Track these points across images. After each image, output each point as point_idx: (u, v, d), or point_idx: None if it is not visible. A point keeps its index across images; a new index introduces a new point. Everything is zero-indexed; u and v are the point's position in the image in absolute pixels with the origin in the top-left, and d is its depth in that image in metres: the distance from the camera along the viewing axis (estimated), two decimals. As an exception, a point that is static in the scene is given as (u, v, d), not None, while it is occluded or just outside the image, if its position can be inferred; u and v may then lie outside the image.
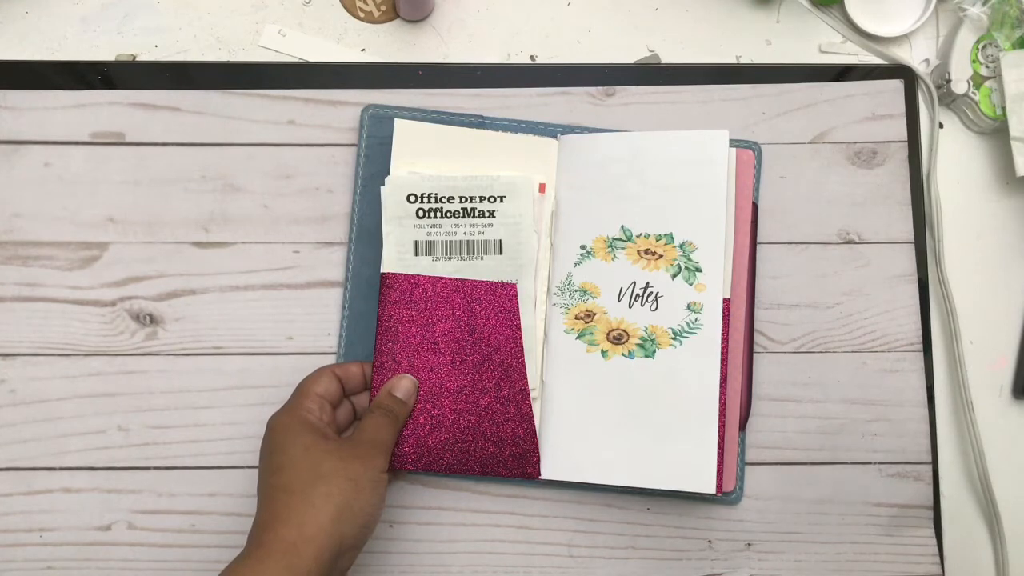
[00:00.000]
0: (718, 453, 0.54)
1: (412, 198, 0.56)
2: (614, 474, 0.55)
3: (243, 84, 0.60)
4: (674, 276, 0.56)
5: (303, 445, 0.48)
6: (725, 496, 0.57)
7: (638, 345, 0.55)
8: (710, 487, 0.54)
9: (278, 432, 0.49)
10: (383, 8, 0.62)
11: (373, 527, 0.48)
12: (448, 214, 0.56)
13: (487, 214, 0.56)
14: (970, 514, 0.60)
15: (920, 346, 0.59)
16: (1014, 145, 0.60)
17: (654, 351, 0.55)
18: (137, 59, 0.61)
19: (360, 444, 0.49)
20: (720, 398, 0.54)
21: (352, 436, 0.51)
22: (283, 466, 0.47)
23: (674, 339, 0.55)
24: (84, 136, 0.59)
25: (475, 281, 0.56)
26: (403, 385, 0.54)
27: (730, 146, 0.56)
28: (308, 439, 0.48)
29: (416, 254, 0.56)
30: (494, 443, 0.55)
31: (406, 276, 0.56)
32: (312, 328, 0.58)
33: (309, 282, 0.58)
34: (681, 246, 0.56)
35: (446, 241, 0.56)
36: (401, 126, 0.57)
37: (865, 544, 0.57)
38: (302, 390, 0.52)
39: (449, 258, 0.56)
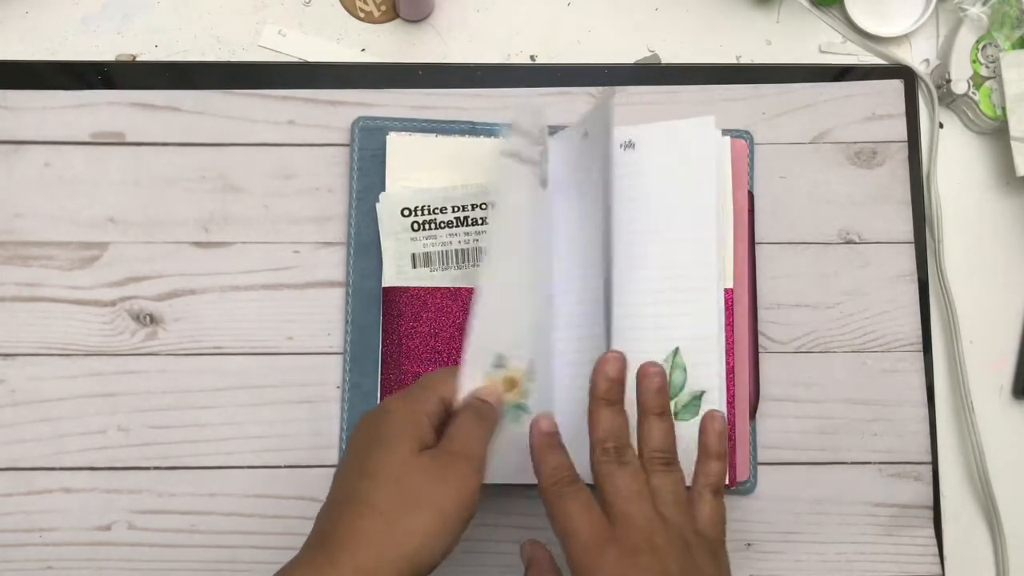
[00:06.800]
0: (729, 445, 0.53)
1: (406, 212, 0.56)
2: None
3: (243, 84, 0.60)
4: None
5: (404, 455, 0.44)
6: (740, 486, 0.57)
7: None
8: None
9: (390, 424, 0.45)
10: (383, 8, 0.62)
11: (448, 553, 0.44)
12: (442, 224, 0.56)
13: (480, 221, 0.56)
14: (970, 514, 0.60)
15: (920, 346, 0.59)
16: (1014, 145, 0.60)
17: None
18: (137, 59, 0.61)
19: (454, 460, 0.45)
20: (728, 390, 0.54)
21: (444, 444, 0.45)
22: (377, 474, 0.44)
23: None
24: (84, 136, 0.59)
25: (472, 289, 0.56)
26: (491, 389, 0.49)
27: (722, 135, 0.56)
28: (412, 446, 0.44)
29: (414, 266, 0.56)
30: None
31: (405, 289, 0.56)
32: (312, 328, 0.58)
33: (309, 282, 0.58)
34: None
35: (442, 251, 0.56)
36: (394, 140, 0.57)
37: (865, 544, 0.57)
38: (428, 385, 0.47)
39: (446, 268, 0.56)
